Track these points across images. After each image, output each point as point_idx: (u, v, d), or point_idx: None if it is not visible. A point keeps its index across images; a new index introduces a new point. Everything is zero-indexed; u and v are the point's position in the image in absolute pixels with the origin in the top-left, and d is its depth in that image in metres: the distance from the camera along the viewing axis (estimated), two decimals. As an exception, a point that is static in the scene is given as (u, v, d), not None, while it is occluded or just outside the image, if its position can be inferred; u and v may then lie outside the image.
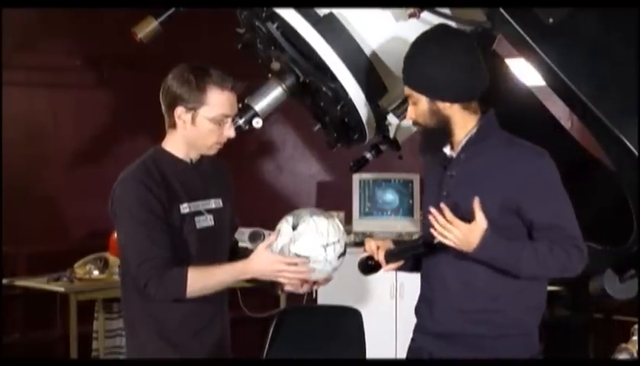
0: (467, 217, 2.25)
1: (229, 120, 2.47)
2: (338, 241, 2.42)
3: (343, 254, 2.45)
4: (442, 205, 2.28)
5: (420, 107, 2.36)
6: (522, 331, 2.36)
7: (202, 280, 2.41)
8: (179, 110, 2.45)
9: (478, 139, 2.37)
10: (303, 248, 2.39)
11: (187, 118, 2.45)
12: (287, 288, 2.49)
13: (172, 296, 2.41)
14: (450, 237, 2.25)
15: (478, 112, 2.39)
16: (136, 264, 2.42)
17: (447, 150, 2.42)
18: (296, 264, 2.39)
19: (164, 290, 2.40)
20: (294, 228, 2.40)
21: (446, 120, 2.36)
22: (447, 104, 2.35)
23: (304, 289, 2.50)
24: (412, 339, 2.50)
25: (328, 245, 2.40)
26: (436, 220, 2.26)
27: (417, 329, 2.49)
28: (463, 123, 2.37)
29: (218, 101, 2.43)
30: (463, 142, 2.38)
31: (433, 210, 2.27)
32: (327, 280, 2.50)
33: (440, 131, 2.38)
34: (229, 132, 2.47)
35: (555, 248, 2.29)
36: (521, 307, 2.34)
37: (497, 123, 2.40)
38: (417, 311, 2.48)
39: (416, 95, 2.36)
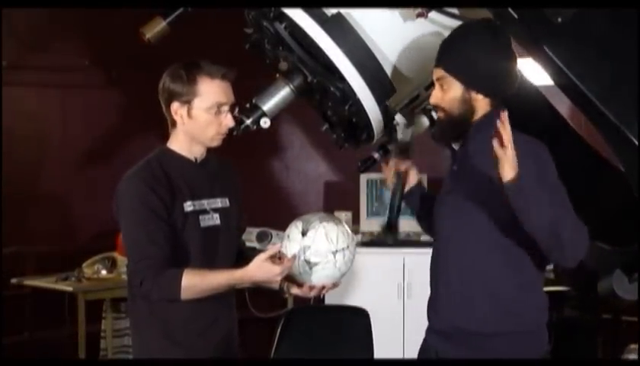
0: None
1: (226, 109, 2.48)
2: (347, 247, 2.42)
3: (352, 260, 2.45)
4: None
5: (451, 93, 2.26)
6: (526, 329, 2.32)
7: (197, 283, 2.40)
8: (175, 106, 2.48)
9: (475, 131, 2.30)
10: (313, 255, 2.39)
11: (184, 112, 2.48)
12: (295, 291, 2.49)
13: (166, 296, 2.41)
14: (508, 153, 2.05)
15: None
16: (134, 262, 2.44)
17: (455, 145, 2.37)
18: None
19: (159, 289, 2.40)
20: (303, 234, 2.39)
21: (472, 112, 2.27)
22: (480, 96, 2.27)
23: (312, 294, 2.49)
24: (424, 339, 2.48)
25: (337, 251, 2.39)
26: (505, 133, 2.03)
27: (427, 328, 2.47)
28: None
29: (210, 89, 2.46)
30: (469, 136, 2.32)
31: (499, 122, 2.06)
32: (335, 285, 2.49)
33: (455, 124, 2.28)
34: (228, 121, 2.48)
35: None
36: (524, 305, 2.31)
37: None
38: (427, 310, 2.46)
39: (450, 80, 2.25)
